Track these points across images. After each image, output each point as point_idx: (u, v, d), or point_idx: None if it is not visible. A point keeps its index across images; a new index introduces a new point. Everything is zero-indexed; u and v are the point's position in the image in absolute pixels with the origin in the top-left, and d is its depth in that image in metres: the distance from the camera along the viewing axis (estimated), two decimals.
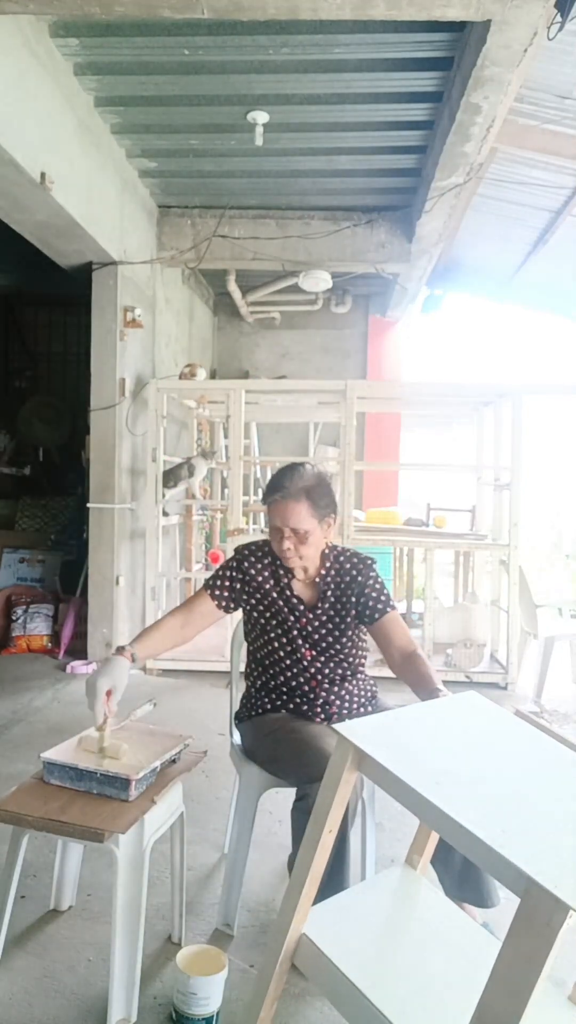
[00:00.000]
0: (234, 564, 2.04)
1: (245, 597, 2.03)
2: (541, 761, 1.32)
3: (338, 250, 4.87)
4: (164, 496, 4.57)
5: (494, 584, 4.95)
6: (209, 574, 2.38)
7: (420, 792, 1.12)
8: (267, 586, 2.01)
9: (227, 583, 2.02)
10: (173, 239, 4.90)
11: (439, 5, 2.41)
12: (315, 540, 1.94)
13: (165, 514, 4.73)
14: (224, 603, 2.02)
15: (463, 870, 1.73)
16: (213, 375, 6.69)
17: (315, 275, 5.05)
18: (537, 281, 5.90)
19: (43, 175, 3.14)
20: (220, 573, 2.05)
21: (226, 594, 2.02)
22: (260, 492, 6.33)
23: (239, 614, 2.10)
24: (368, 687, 2.07)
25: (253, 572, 2.02)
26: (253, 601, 2.03)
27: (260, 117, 3.65)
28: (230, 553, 4.32)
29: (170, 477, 4.60)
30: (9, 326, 6.97)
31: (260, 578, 2.01)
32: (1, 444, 6.40)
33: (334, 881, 1.61)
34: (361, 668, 2.07)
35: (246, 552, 2.05)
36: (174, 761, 1.79)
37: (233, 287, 5.57)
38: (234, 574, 2.03)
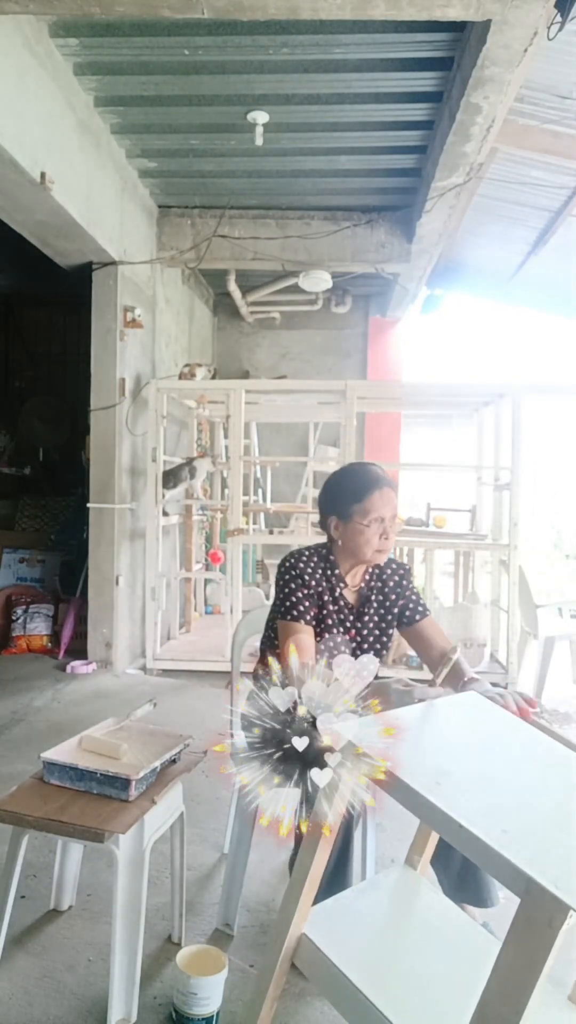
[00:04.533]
0: (298, 580, 1.90)
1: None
2: (541, 761, 1.32)
3: (338, 250, 4.87)
4: (164, 496, 4.57)
5: (494, 584, 4.95)
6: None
7: (420, 792, 1.12)
8: (325, 596, 1.93)
9: (307, 602, 1.89)
10: (173, 239, 4.90)
11: (439, 5, 2.41)
12: None
13: (165, 514, 4.73)
14: (313, 624, 1.90)
15: (462, 871, 1.73)
16: (213, 375, 6.69)
17: (315, 275, 5.05)
18: (537, 281, 5.89)
19: (43, 175, 3.15)
20: (297, 597, 1.88)
21: (311, 614, 1.89)
22: (260, 492, 6.33)
23: (239, 613, 2.10)
24: None
25: (313, 583, 1.92)
26: (310, 603, 1.92)
27: (260, 117, 3.65)
28: (232, 553, 4.36)
29: (170, 478, 4.60)
30: (9, 326, 6.97)
31: (321, 587, 1.93)
32: (1, 444, 6.40)
33: (337, 881, 1.61)
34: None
35: (300, 565, 1.92)
36: (174, 761, 1.80)
37: (233, 287, 5.57)
38: (306, 590, 1.89)
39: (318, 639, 1.92)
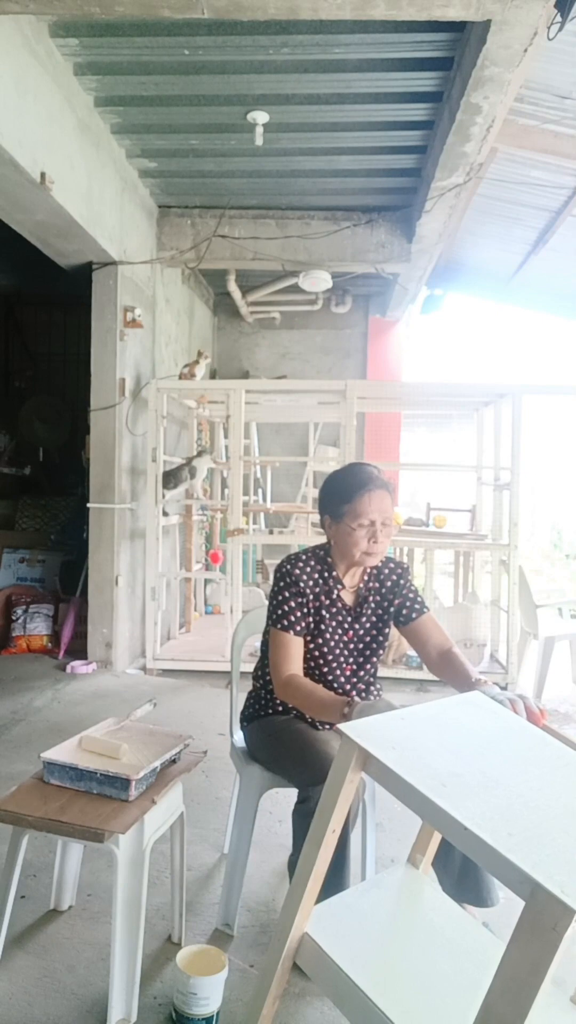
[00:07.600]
0: (292, 588, 1.90)
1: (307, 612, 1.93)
2: (546, 763, 1.32)
3: (338, 250, 4.87)
4: (164, 496, 4.57)
5: (494, 584, 4.95)
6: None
7: (426, 795, 1.11)
8: (322, 598, 1.92)
9: (299, 612, 1.89)
10: (173, 239, 4.90)
11: (439, 5, 2.41)
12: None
13: (165, 514, 4.73)
14: (304, 632, 1.91)
15: (462, 870, 1.73)
16: (213, 375, 6.69)
17: (315, 275, 5.05)
18: (537, 281, 5.90)
19: (43, 175, 3.15)
20: (289, 607, 1.89)
21: (303, 623, 1.90)
22: (260, 492, 6.33)
23: (239, 613, 2.10)
24: (376, 690, 2.06)
25: (307, 589, 1.91)
26: (305, 611, 1.93)
27: (260, 117, 3.65)
28: (232, 553, 4.36)
29: (170, 479, 4.59)
30: (9, 326, 6.97)
31: (316, 590, 1.92)
32: (1, 444, 6.40)
33: (334, 882, 1.61)
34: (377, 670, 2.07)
35: (296, 572, 1.91)
36: (174, 761, 1.80)
37: (233, 287, 5.57)
38: (300, 599, 1.90)
39: (317, 641, 1.92)
